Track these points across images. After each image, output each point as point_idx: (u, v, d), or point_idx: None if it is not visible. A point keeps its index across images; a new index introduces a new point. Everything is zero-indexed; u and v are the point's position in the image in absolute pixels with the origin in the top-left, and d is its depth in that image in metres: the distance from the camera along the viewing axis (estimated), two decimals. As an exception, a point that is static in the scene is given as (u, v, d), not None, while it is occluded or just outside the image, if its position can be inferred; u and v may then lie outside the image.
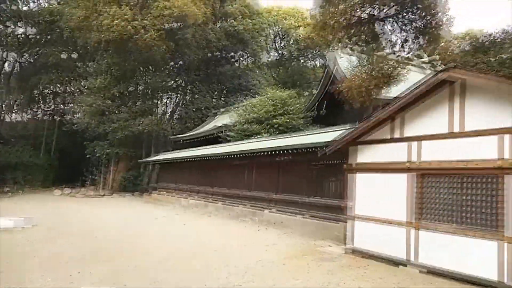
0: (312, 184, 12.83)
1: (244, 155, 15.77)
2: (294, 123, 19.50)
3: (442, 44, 15.80)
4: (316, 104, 20.64)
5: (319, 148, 11.19)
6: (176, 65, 35.72)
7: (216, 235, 12.00)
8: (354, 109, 15.00)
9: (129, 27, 26.20)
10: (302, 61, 41.98)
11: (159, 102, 36.25)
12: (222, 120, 26.71)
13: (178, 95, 36.47)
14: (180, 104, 36.64)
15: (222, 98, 35.87)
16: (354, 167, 9.25)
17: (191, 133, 29.35)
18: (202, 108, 33.95)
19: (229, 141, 20.96)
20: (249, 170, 16.67)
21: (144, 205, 23.55)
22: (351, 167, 9.32)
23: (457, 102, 7.10)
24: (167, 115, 36.74)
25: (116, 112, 30.70)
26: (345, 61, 16.14)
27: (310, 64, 42.55)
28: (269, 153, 14.12)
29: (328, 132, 13.19)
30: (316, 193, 12.65)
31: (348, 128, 10.96)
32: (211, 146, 22.02)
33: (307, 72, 39.91)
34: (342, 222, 10.24)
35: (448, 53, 16.74)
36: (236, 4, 34.76)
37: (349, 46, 17.25)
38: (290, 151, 13.25)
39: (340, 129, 12.35)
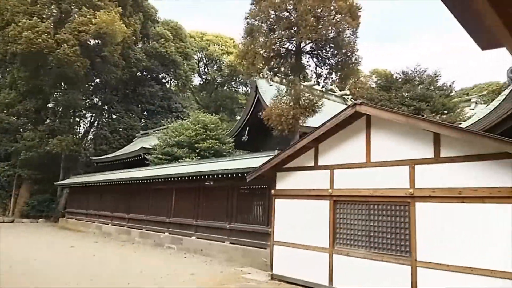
0: (238, 210, 12.90)
1: (166, 179, 15.36)
2: (217, 148, 19.60)
3: (352, 80, 17.49)
4: (241, 129, 21.10)
5: (240, 174, 11.43)
6: (92, 84, 33.95)
7: (138, 264, 11.35)
8: (281, 135, 15.69)
9: (40, 40, 24.40)
10: (226, 87, 42.89)
11: (80, 122, 33.88)
12: (147, 142, 25.82)
13: (95, 115, 34.48)
14: (96, 125, 34.61)
15: (145, 120, 34.78)
16: (275, 193, 9.59)
17: (113, 155, 27.82)
18: (121, 129, 32.49)
19: (153, 164, 20.30)
20: (173, 195, 16.24)
21: (58, 232, 21.48)
22: (275, 192, 9.63)
23: (365, 135, 7.84)
24: (88, 135, 34.40)
25: (21, 130, 27.91)
26: (273, 89, 16.88)
27: (235, 90, 43.64)
28: (192, 178, 13.97)
29: (253, 158, 13.50)
30: (241, 218, 12.71)
31: (271, 155, 11.38)
32: (133, 169, 21.07)
33: (233, 97, 40.81)
34: (270, 247, 10.35)
35: (357, 89, 18.58)
36: (159, 26, 34.55)
37: (269, 77, 18.22)
38: (213, 176, 13.27)
39: (265, 155, 12.72)
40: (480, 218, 5.78)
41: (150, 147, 22.23)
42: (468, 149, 6.05)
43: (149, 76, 36.17)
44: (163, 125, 27.17)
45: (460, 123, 11.66)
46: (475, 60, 69.53)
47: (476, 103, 19.99)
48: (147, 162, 21.15)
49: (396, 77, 18.43)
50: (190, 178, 14.01)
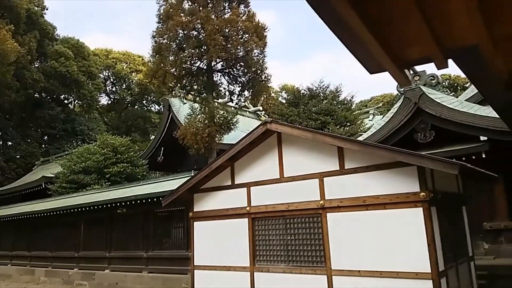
0: (156, 236, 12.32)
1: (73, 210, 14.07)
2: (129, 172, 18.61)
3: (266, 95, 18.11)
4: (155, 150, 20.38)
5: (156, 199, 10.97)
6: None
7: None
8: (197, 154, 15.45)
9: None
10: (137, 106, 41.26)
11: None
12: (49, 170, 23.44)
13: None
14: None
15: (46, 145, 31.68)
16: (194, 215, 9.36)
17: (9, 187, 24.75)
18: (17, 157, 29.18)
19: (58, 194, 18.46)
20: (82, 226, 14.89)
21: None
22: (192, 215, 9.41)
23: (277, 151, 8.09)
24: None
25: None
26: (186, 108, 16.65)
27: (147, 109, 42.19)
28: (102, 206, 13.01)
29: (169, 180, 13.06)
30: (159, 245, 12.16)
31: (188, 176, 11.13)
32: (34, 201, 18.92)
33: (145, 117, 39.35)
34: (190, 273, 9.99)
35: (269, 105, 19.27)
36: (58, 45, 32.10)
37: (182, 95, 18.03)
38: (125, 203, 12.52)
39: (181, 177, 12.39)
40: (383, 224, 6.30)
41: (53, 175, 20.30)
42: (368, 160, 6.60)
43: (48, 97, 33.29)
44: (67, 150, 25.06)
45: (361, 134, 12.73)
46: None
47: (373, 114, 22.10)
48: (49, 193, 19.23)
49: (303, 93, 19.56)
50: (100, 207, 13.05)
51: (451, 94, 16.15)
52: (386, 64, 1.95)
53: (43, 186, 20.58)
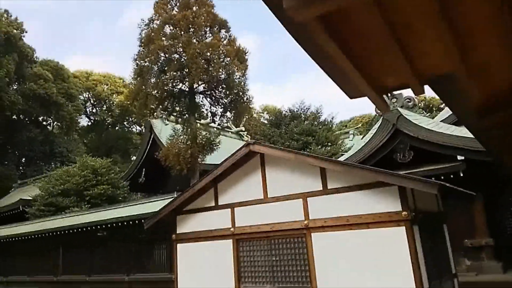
0: (138, 259, 12.05)
1: (51, 233, 13.65)
2: (110, 194, 18.25)
3: (248, 116, 18.30)
4: (136, 171, 20.12)
5: (138, 221, 10.79)
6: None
7: None
8: (180, 175, 15.31)
9: None
10: (118, 127, 40.82)
11: None
12: (28, 192, 22.73)
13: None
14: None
15: (23, 167, 30.80)
16: (176, 237, 9.22)
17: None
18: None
19: (36, 217, 17.87)
20: (59, 250, 14.40)
21: None
22: (175, 238, 9.26)
23: (260, 172, 8.13)
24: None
25: None
26: (169, 129, 16.59)
27: (129, 130, 41.77)
28: (82, 229, 12.68)
29: (151, 202, 12.89)
30: (142, 268, 11.89)
31: (171, 197, 11.01)
32: (10, 225, 18.26)
33: (126, 138, 38.88)
34: None
35: (251, 125, 19.44)
36: (37, 67, 31.71)
37: (164, 116, 18.00)
38: (106, 226, 12.23)
39: (164, 198, 12.25)
40: (367, 243, 6.35)
41: (31, 198, 19.72)
42: (350, 180, 6.71)
43: (27, 119, 32.63)
44: (45, 173, 24.44)
45: (342, 154, 12.96)
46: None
47: (353, 134, 22.54)
48: (27, 216, 18.63)
49: (284, 114, 19.84)
50: (80, 230, 12.72)
51: (427, 115, 16.68)
52: (366, 90, 2.05)
53: (21, 209, 20.01)
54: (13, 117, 31.08)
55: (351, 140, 20.76)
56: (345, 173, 6.73)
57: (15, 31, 30.90)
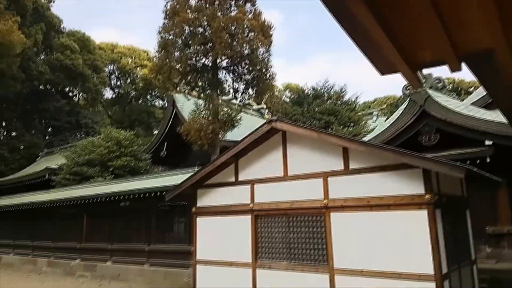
0: (159, 230, 12.38)
1: (76, 202, 14.16)
2: (133, 166, 18.68)
3: (270, 94, 18.11)
4: (158, 145, 20.45)
5: (159, 193, 11.03)
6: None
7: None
8: (201, 150, 15.49)
9: None
10: (141, 101, 41.27)
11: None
12: (54, 161, 23.57)
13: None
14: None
15: (50, 137, 31.79)
16: (196, 210, 9.40)
17: (13, 177, 24.87)
18: (21, 148, 29.29)
19: (61, 185, 18.56)
20: (85, 218, 14.98)
21: None
22: (195, 211, 9.44)
23: (281, 149, 8.12)
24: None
25: None
26: (191, 104, 16.67)
27: (151, 104, 42.23)
28: (106, 199, 13.08)
29: (172, 175, 13.12)
30: (162, 239, 12.20)
31: (191, 171, 11.17)
32: (38, 192, 19.03)
33: (149, 112, 39.38)
34: (192, 267, 9.98)
35: (273, 103, 19.28)
36: (64, 37, 32.12)
37: (186, 91, 18.03)
38: (129, 196, 12.57)
39: (184, 172, 12.45)
40: (387, 225, 6.30)
41: (57, 167, 20.40)
42: (373, 161, 6.61)
43: (53, 90, 33.38)
44: (71, 143, 25.16)
45: (365, 135, 12.75)
46: (375, 76, 77.07)
47: (377, 116, 22.07)
48: (53, 184, 19.34)
49: (307, 92, 19.56)
50: (103, 199, 13.13)
51: (455, 98, 16.12)
52: (399, 66, 1.97)
53: (47, 177, 20.70)
54: (40, 87, 31.82)
55: (375, 122, 20.36)
56: (368, 154, 6.63)
57: (43, 0, 31.25)
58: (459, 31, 1.74)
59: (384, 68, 2.05)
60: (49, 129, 33.27)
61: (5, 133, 31.44)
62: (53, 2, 32.88)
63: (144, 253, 12.40)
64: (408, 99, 10.70)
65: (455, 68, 2.00)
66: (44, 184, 20.64)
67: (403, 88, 11.08)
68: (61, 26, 33.65)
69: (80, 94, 36.48)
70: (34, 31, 28.93)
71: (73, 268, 14.46)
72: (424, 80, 10.33)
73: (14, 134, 30.82)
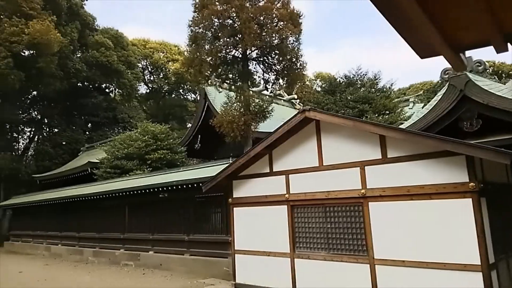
0: (196, 220, 12.65)
1: (118, 194, 14.74)
2: (172, 158, 19.18)
3: (301, 83, 17.93)
4: (192, 137, 20.82)
5: (196, 184, 11.27)
6: (29, 97, 31.83)
7: (97, 286, 10.77)
8: (234, 142, 15.65)
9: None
10: (173, 95, 42.01)
11: (19, 137, 31.52)
12: (95, 155, 24.63)
13: (34, 130, 32.35)
14: (37, 140, 32.47)
15: (91, 132, 33.14)
16: (235, 201, 9.55)
17: (57, 171, 26.22)
18: (64, 144, 30.73)
19: (102, 179, 19.38)
20: (127, 209, 15.59)
21: (3, 257, 19.91)
22: (232, 201, 9.60)
23: (318, 138, 8.05)
24: (29, 152, 32.11)
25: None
26: (222, 96, 16.83)
27: (184, 97, 42.91)
28: (146, 191, 13.54)
29: (207, 167, 13.36)
30: (200, 229, 12.46)
31: (226, 163, 11.33)
32: (82, 185, 19.97)
33: (182, 105, 40.07)
34: (231, 257, 9.98)
35: (303, 93, 19.08)
36: (98, 35, 33.10)
37: (218, 83, 18.18)
38: (167, 188, 12.91)
39: (219, 163, 12.64)
40: (429, 214, 6.17)
41: (98, 161, 21.26)
42: (412, 149, 6.45)
43: (91, 86, 34.58)
44: (110, 137, 26.08)
45: (402, 123, 12.39)
46: (409, 61, 74.55)
47: (413, 102, 21.36)
48: (94, 177, 20.19)
49: (339, 80, 19.20)
50: (143, 191, 13.59)
51: (497, 82, 15.32)
52: (441, 48, 1.89)
53: (89, 171, 21.59)
54: (78, 84, 33.02)
55: (411, 109, 19.71)
56: (407, 142, 6.48)
57: (76, -1, 32.17)
58: (505, 9, 1.65)
59: (424, 51, 1.97)
60: (89, 125, 34.59)
61: (48, 129, 33.01)
62: (86, 0, 33.83)
63: (183, 243, 12.77)
64: (447, 84, 10.28)
65: (500, 49, 1.91)
66: (86, 177, 21.57)
67: (441, 73, 10.65)
68: (95, 24, 34.62)
69: (116, 90, 37.59)
70: (69, 30, 29.93)
71: (117, 258, 15.12)
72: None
73: (56, 130, 32.30)
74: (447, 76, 10.28)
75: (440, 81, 13.84)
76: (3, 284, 11.76)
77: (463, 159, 5.83)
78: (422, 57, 2.00)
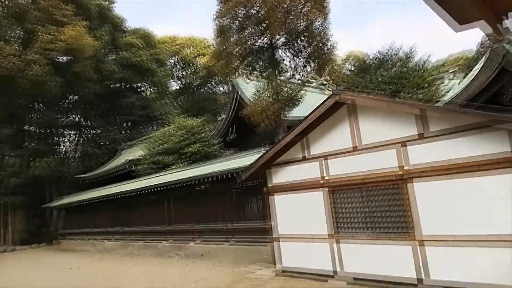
0: (235, 210, 12.98)
1: (160, 188, 15.33)
2: (207, 150, 19.61)
3: (331, 66, 17.64)
4: (225, 129, 21.15)
5: (233, 174, 11.51)
6: (70, 101, 33.37)
7: (145, 277, 11.33)
8: (266, 131, 15.77)
9: (7, 63, 23.82)
10: (204, 89, 42.50)
11: (61, 141, 33.28)
12: (133, 153, 25.60)
13: (76, 133, 33.95)
14: (80, 142, 34.09)
15: (128, 131, 34.36)
16: (272, 188, 9.66)
17: (99, 171, 27.49)
18: (105, 144, 32.06)
19: (141, 175, 20.15)
20: (168, 203, 16.22)
21: (56, 254, 21.23)
22: (269, 189, 9.72)
23: (352, 120, 7.97)
24: (71, 154, 33.80)
25: (7, 157, 27.42)
26: (252, 86, 16.93)
27: (214, 91, 43.34)
28: (186, 183, 13.98)
29: (243, 157, 13.61)
30: (239, 218, 12.77)
31: (260, 151, 11.48)
32: (123, 182, 20.90)
33: (213, 98, 40.53)
34: (270, 243, 10.26)
35: (336, 73, 18.77)
36: (128, 36, 34.00)
37: (246, 74, 18.26)
38: (207, 180, 13.25)
39: (254, 152, 12.84)
40: (475, 188, 6.03)
41: (137, 158, 22.08)
42: (452, 124, 6.27)
43: (124, 87, 35.69)
44: (147, 135, 26.92)
45: (438, 100, 12.00)
46: (445, 32, 71.22)
47: (449, 79, 20.50)
48: (134, 174, 20.99)
49: (371, 59, 18.63)
50: (184, 184, 14.04)
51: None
52: (479, 13, 1.82)
53: (128, 169, 22.46)
54: (113, 85, 34.16)
55: (446, 85, 18.95)
56: (447, 117, 6.32)
57: (105, 2, 33.04)
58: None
59: (461, 18, 1.88)
60: (125, 124, 35.78)
61: (89, 131, 34.49)
62: (116, 2, 34.66)
63: (223, 233, 13.14)
64: (483, 57, 9.85)
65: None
66: (126, 175, 22.48)
67: (477, 45, 10.22)
68: (124, 25, 35.53)
69: (150, 88, 38.52)
70: (101, 33, 30.93)
71: (161, 250, 15.78)
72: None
73: (97, 131, 33.68)
74: (483, 49, 9.86)
75: (475, 56, 13.21)
76: (58, 280, 12.62)
77: (505, 132, 5.66)
78: (461, 23, 1.92)
